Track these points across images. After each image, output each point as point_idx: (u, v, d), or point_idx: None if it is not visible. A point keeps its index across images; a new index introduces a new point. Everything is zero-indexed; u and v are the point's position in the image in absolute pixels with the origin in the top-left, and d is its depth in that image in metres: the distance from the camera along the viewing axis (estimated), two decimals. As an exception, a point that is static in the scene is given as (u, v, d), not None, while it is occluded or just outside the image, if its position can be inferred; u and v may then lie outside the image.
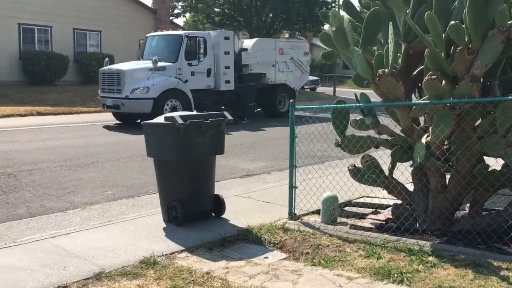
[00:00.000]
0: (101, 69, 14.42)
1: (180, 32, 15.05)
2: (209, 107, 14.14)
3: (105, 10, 23.13)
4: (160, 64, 13.54)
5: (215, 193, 5.56)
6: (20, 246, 4.54)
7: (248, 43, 16.99)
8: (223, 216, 5.50)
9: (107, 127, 13.74)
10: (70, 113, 16.08)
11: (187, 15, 38.89)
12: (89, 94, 19.01)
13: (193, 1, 31.58)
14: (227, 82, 15.27)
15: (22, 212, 5.74)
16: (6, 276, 3.83)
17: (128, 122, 13.94)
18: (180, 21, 54.59)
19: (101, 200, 6.37)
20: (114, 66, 14.19)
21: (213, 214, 5.53)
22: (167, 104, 13.35)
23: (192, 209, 5.25)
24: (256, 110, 16.99)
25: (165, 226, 5.20)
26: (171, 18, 29.36)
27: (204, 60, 14.58)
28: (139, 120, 13.48)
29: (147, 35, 15.66)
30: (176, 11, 33.24)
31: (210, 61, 14.80)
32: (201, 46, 14.45)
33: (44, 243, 4.63)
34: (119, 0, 24.34)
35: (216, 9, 32.39)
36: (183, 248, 4.53)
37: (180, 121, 4.98)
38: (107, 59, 15.00)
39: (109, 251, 4.42)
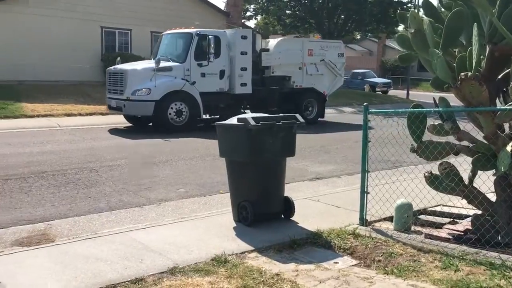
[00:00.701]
0: (108, 68, 13.78)
1: (191, 30, 13.57)
2: (223, 111, 13.45)
3: (180, 13, 23.88)
4: (165, 64, 12.73)
5: (285, 195, 5.58)
6: (100, 238, 4.80)
7: (272, 42, 15.33)
8: (293, 218, 5.50)
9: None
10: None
11: (259, 17, 39.34)
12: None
13: (265, 4, 31.83)
14: (244, 85, 13.91)
15: (102, 206, 6.08)
16: (89, 266, 4.06)
17: (141, 125, 13.37)
18: (252, 23, 55.29)
19: (174, 197, 6.60)
20: (119, 66, 13.19)
21: (282, 216, 5.54)
22: (171, 108, 12.46)
23: (262, 210, 5.30)
24: None
25: (235, 225, 5.29)
26: (243, 20, 29.78)
27: (216, 61, 13.30)
28: (150, 124, 13.21)
29: (163, 33, 14.62)
30: (248, 13, 33.67)
31: (224, 62, 13.53)
32: (213, 45, 13.06)
33: (123, 236, 4.87)
34: (193, 3, 25.05)
35: (287, 11, 32.45)
36: (252, 248, 4.58)
37: (252, 122, 5.04)
38: (119, 58, 13.73)
39: (182, 247, 4.56)
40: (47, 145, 10.09)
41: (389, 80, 36.17)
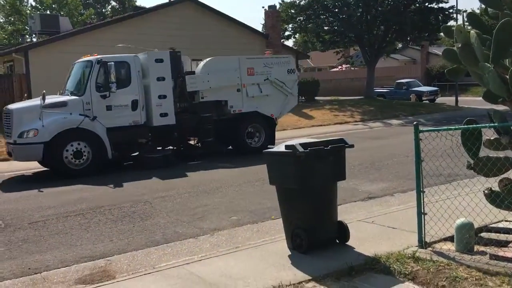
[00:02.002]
0: (4, 108, 11.82)
1: (92, 57, 11.68)
2: (143, 148, 12.05)
3: (220, 41, 24.39)
4: (56, 99, 11.24)
5: (338, 219, 5.50)
6: (159, 273, 4.89)
7: (201, 64, 13.20)
8: (348, 243, 5.40)
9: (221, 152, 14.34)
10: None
11: (297, 36, 39.53)
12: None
13: (303, 22, 31.98)
14: (164, 115, 11.91)
15: (158, 238, 6.20)
16: (150, 302, 4.14)
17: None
18: (290, 42, 55.66)
19: (227, 225, 6.64)
20: (10, 105, 11.75)
21: (337, 241, 5.46)
22: (67, 150, 10.60)
23: (316, 237, 5.24)
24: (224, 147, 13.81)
25: (290, 253, 5.24)
26: (282, 40, 30.02)
27: (126, 90, 11.50)
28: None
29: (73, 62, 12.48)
30: (286, 33, 33.89)
31: (135, 91, 11.62)
32: (114, 73, 11.15)
33: (180, 269, 4.94)
34: (232, 29, 25.53)
35: (325, 27, 32.44)
36: (310, 278, 4.52)
37: (300, 149, 5.03)
38: (44, 91, 10.80)
39: (239, 279, 4.57)
40: (97, 178, 10.44)
41: (436, 88, 35.21)
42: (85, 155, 10.83)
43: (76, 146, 10.75)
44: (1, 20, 50.53)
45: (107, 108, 11.29)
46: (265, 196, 8.03)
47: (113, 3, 61.95)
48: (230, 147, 13.94)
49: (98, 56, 11.57)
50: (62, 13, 41.07)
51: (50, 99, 11.03)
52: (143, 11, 24.18)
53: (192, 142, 13.46)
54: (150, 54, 12.08)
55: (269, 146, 13.03)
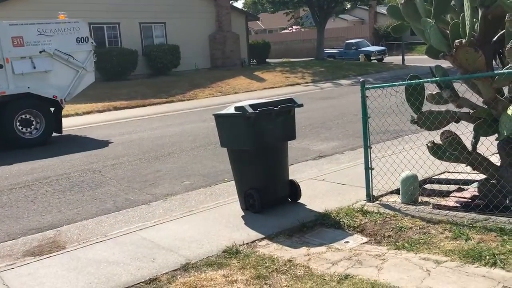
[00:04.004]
0: None
1: None
2: None
3: (167, 1, 23.63)
4: None
5: (290, 178, 5.57)
6: (111, 240, 4.81)
7: None
8: (300, 201, 5.51)
9: (178, 117, 14.14)
10: (144, 105, 16.71)
11: (246, -3, 38.80)
12: (159, 86, 19.70)
13: (251, -18, 31.36)
14: None
15: (109, 207, 6.09)
16: (102, 270, 4.08)
17: None
18: (240, 4, 54.65)
19: (180, 190, 6.60)
20: None
21: (289, 199, 5.55)
22: None
23: (269, 196, 5.30)
24: None
25: (243, 214, 5.29)
26: (231, 2, 29.39)
27: None
28: None
29: None
30: (235, -6, 33.20)
31: None
32: None
33: (132, 236, 4.89)
34: (180, -11, 24.76)
35: (275, -12, 32.03)
36: (263, 236, 4.59)
37: (250, 110, 5.00)
38: None
39: (192, 241, 4.58)
40: (44, 149, 10.07)
41: (384, 48, 35.87)
42: None
43: None
44: None
45: None
46: (218, 159, 8.02)
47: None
48: None
49: None
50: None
51: None
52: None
53: None
54: None
55: (56, 135, 11.13)
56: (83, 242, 4.85)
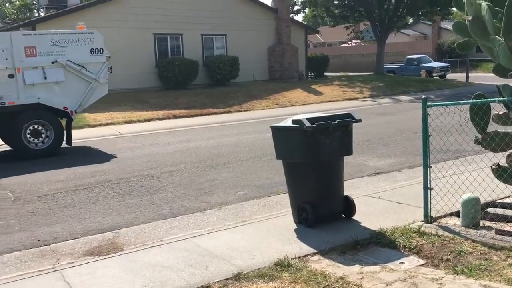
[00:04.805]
0: None
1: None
2: None
3: (228, 14, 24.14)
4: None
5: (345, 194, 5.51)
6: (166, 245, 4.95)
7: None
8: (354, 217, 5.43)
9: (235, 127, 14.34)
10: (202, 114, 17.09)
11: (307, 10, 38.97)
12: (217, 96, 20.11)
13: (312, -4, 31.48)
14: None
15: (166, 212, 6.26)
16: (157, 274, 4.20)
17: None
18: (300, 17, 54.91)
19: (234, 200, 6.68)
20: None
21: (343, 215, 5.48)
22: None
23: (322, 211, 5.26)
24: None
25: (296, 227, 5.28)
26: (291, 15, 29.61)
27: None
28: None
29: None
30: (296, 7, 33.43)
31: None
32: None
33: (187, 242, 5.00)
34: (241, 3, 25.19)
35: (335, 1, 31.91)
36: (315, 251, 4.56)
37: (307, 123, 5.00)
38: None
39: (245, 252, 4.62)
40: (110, 154, 10.51)
41: (447, 64, 34.71)
42: None
43: None
44: (9, -5, 50.30)
45: None
46: (272, 171, 8.06)
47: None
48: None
49: None
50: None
51: None
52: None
53: None
54: None
55: (67, 145, 11.02)
56: (140, 246, 5.02)
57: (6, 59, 9.95)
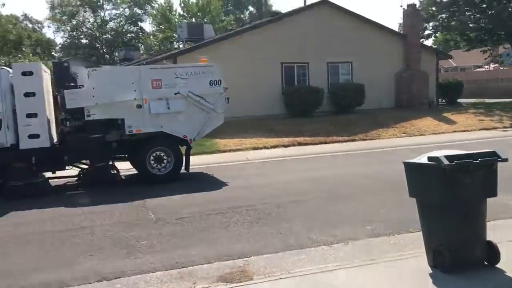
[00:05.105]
0: None
1: None
2: (8, 173, 10.14)
3: (355, 41, 24.01)
4: None
5: (487, 238, 5.06)
6: (293, 279, 4.99)
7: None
8: (497, 265, 4.95)
9: (361, 156, 14.07)
10: (326, 142, 17.08)
11: (438, 34, 37.24)
12: (342, 123, 19.96)
13: (445, 20, 30.01)
14: (34, 136, 10.15)
15: (292, 243, 6.32)
16: (286, 308, 4.25)
17: None
18: (429, 41, 52.52)
19: (362, 235, 6.51)
20: None
21: (485, 262, 5.03)
22: None
23: (461, 256, 4.89)
24: (116, 175, 11.28)
25: (430, 271, 4.98)
26: (421, 40, 28.52)
27: None
28: None
29: None
30: (426, 32, 32.16)
31: None
32: None
33: (315, 277, 5.00)
34: (368, 29, 24.93)
35: (471, 25, 30.04)
36: (454, 300, 4.24)
37: (445, 161, 4.74)
38: None
39: (375, 293, 4.47)
40: (239, 180, 10.97)
41: None
42: None
43: None
44: (154, 29, 55.89)
45: None
46: (404, 206, 7.68)
47: (251, 9, 64.72)
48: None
49: None
50: (205, 20, 44.01)
51: None
52: (280, 16, 24.80)
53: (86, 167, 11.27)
54: (16, 66, 10.68)
55: (185, 172, 11.40)
56: (269, 276, 5.13)
57: (135, 90, 10.81)
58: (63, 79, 10.80)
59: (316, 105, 22.37)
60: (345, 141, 17.41)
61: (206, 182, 10.99)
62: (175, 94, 11.09)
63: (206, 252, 6.09)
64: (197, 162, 13.14)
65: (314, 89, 22.39)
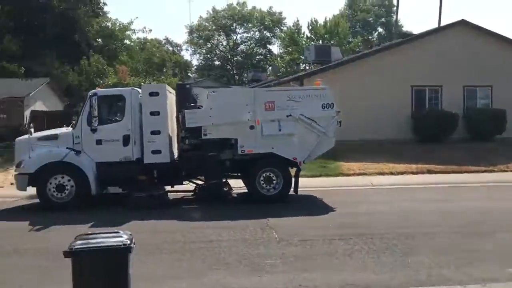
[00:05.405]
0: None
1: (96, 90, 11.77)
2: (134, 185, 10.86)
3: (495, 63, 22.13)
4: (49, 132, 11.63)
5: None
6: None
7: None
8: None
9: (501, 190, 12.81)
10: (460, 172, 15.82)
11: None
12: (478, 152, 18.36)
13: None
14: (157, 152, 10.89)
15: (423, 279, 5.94)
16: None
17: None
18: None
19: (501, 278, 5.93)
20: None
21: None
22: (50, 183, 10.57)
23: None
24: (228, 192, 11.69)
25: None
26: None
27: (118, 125, 11.05)
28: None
29: None
30: None
31: (128, 125, 10.96)
32: (107, 107, 11.28)
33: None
34: (510, 51, 22.84)
35: None
36: None
37: None
38: (32, 123, 12.67)
39: None
40: (363, 205, 10.67)
41: None
42: (67, 189, 10.69)
43: (59, 179, 10.69)
44: (281, 51, 57.52)
45: (97, 143, 10.92)
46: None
47: (380, 30, 63.49)
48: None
49: (95, 90, 11.69)
50: (332, 42, 44.13)
51: (48, 132, 11.77)
52: (412, 37, 23.90)
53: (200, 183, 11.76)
54: (144, 87, 11.68)
55: (294, 193, 11.24)
56: (396, 311, 4.85)
57: (249, 112, 11.10)
58: (185, 100, 11.44)
59: (449, 131, 20.95)
60: (482, 171, 15.98)
61: (323, 206, 10.82)
62: (287, 116, 11.18)
63: (329, 278, 5.98)
64: (317, 185, 13.19)
65: (448, 114, 21.02)
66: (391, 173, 15.53)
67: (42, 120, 27.32)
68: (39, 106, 31.24)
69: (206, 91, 11.88)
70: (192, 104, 11.41)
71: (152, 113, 10.93)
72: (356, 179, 14.73)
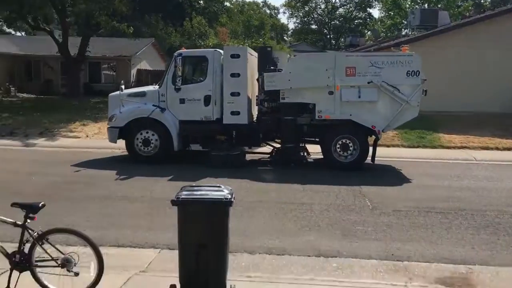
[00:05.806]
0: None
1: (182, 50, 11.93)
2: (214, 144, 11.39)
3: None
4: (139, 89, 12.64)
5: None
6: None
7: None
8: None
9: None
10: None
11: None
12: None
13: None
14: (235, 113, 11.18)
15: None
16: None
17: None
18: None
19: None
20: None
21: None
22: (137, 138, 11.29)
23: None
24: (304, 157, 11.45)
25: None
26: None
27: (200, 85, 11.40)
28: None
29: None
30: None
31: (209, 86, 11.28)
32: (192, 67, 11.98)
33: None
34: None
35: None
36: None
37: None
38: (122, 81, 13.39)
39: None
40: (464, 180, 10.13)
41: None
42: (152, 143, 11.33)
43: (145, 134, 11.34)
44: (382, 15, 54.98)
45: (180, 101, 11.39)
46: None
47: (495, -7, 58.02)
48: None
49: (180, 51, 11.84)
50: (439, 6, 41.22)
51: (138, 89, 12.91)
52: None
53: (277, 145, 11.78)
54: (226, 49, 11.82)
55: (370, 162, 11.04)
56: (496, 291, 4.65)
57: (329, 77, 10.82)
58: (265, 63, 11.42)
59: None
60: None
61: (417, 177, 10.42)
62: (368, 83, 10.77)
63: (424, 251, 5.84)
64: (409, 155, 12.82)
65: None
66: (497, 149, 14.44)
67: (146, 78, 28.86)
68: (144, 65, 33.09)
69: (286, 55, 12.38)
70: (272, 67, 11.40)
71: (232, 75, 11.21)
72: (456, 152, 13.94)
